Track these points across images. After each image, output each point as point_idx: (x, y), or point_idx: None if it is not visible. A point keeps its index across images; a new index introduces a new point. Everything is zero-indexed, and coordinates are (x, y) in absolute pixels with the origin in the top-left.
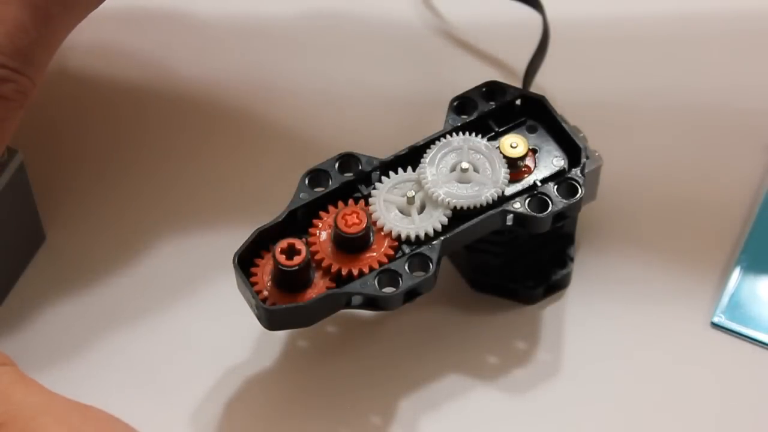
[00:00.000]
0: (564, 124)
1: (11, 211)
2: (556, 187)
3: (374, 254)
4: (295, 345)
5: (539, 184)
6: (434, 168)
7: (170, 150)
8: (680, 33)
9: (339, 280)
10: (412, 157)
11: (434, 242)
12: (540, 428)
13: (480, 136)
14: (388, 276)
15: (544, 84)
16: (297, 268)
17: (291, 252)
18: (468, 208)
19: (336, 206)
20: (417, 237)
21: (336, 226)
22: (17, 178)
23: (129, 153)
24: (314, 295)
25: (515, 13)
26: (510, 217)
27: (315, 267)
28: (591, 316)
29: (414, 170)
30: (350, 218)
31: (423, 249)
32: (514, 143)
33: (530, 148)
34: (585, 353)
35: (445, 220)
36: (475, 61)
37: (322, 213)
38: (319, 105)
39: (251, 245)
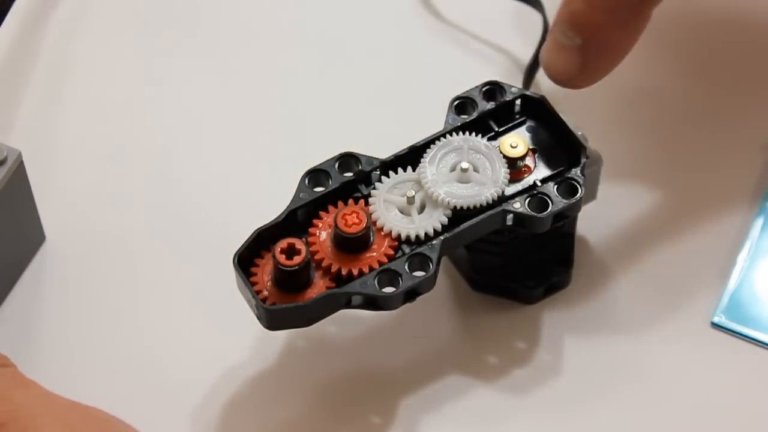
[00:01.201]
0: (564, 124)
1: (11, 212)
2: (556, 187)
3: (374, 254)
4: (295, 345)
5: (539, 184)
6: (434, 168)
7: (170, 150)
8: (680, 33)
9: (339, 280)
10: (412, 157)
11: (434, 242)
12: (540, 428)
13: (480, 136)
14: (388, 276)
15: (544, 84)
16: (297, 268)
17: (291, 252)
18: (468, 208)
19: (336, 206)
20: (417, 237)
21: (336, 226)
22: (17, 179)
23: (129, 153)
24: (314, 295)
25: (515, 13)
26: (510, 217)
27: (315, 267)
28: (591, 316)
29: (414, 170)
30: (350, 218)
31: (423, 249)
32: (514, 143)
33: (530, 148)
34: (585, 353)
35: (445, 220)
36: (475, 61)
37: (322, 213)
38: (319, 105)
39: (251, 245)
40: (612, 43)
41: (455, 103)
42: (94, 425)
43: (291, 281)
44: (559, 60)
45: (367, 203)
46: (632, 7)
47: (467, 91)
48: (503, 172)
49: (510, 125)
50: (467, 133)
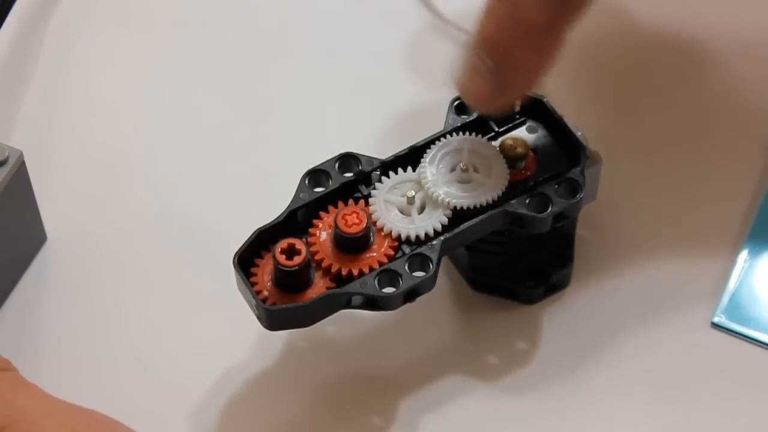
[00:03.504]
0: (564, 124)
1: (12, 212)
2: (556, 187)
3: (374, 254)
4: (295, 345)
5: (539, 184)
6: (434, 168)
7: (170, 150)
8: (679, 32)
9: (339, 280)
10: (412, 157)
11: (434, 242)
12: (540, 428)
13: (480, 136)
14: (388, 276)
15: (544, 84)
16: (297, 268)
17: (291, 252)
18: (468, 208)
19: (336, 206)
20: (417, 237)
21: (336, 226)
22: (18, 179)
23: (130, 154)
24: (314, 295)
25: None
26: (510, 217)
27: (315, 267)
28: (591, 316)
29: (414, 170)
30: (350, 218)
31: (423, 249)
32: (514, 143)
33: (530, 148)
34: (585, 353)
35: (445, 220)
36: None
37: (322, 213)
38: (319, 105)
39: (251, 245)
40: (526, 66)
41: (455, 103)
42: (96, 428)
43: (291, 281)
44: (474, 83)
45: (367, 203)
46: (545, 29)
47: None
48: (503, 172)
49: (510, 125)
50: (467, 133)
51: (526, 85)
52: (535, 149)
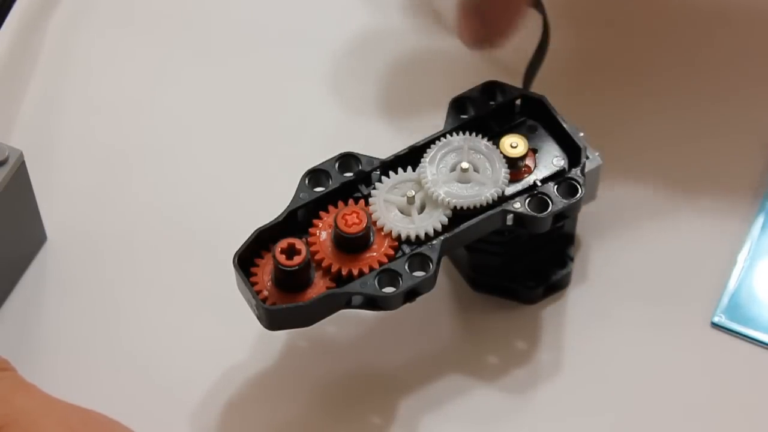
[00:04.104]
0: (564, 124)
1: (12, 212)
2: (556, 187)
3: (374, 254)
4: (295, 345)
5: (539, 184)
6: (434, 168)
7: (170, 150)
8: (679, 33)
9: (339, 280)
10: (412, 157)
11: (434, 242)
12: (540, 428)
13: (480, 136)
14: (388, 276)
15: (544, 84)
16: (297, 268)
17: (291, 252)
18: (468, 208)
19: (336, 206)
20: (417, 237)
21: (336, 226)
22: (19, 179)
23: (130, 154)
24: (314, 295)
25: None
26: (510, 217)
27: (315, 267)
28: (591, 316)
29: (414, 170)
30: (350, 218)
31: (423, 249)
32: (514, 143)
33: (530, 148)
34: (585, 353)
35: (445, 220)
36: (475, 61)
37: (322, 213)
38: (319, 105)
39: (251, 245)
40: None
41: (455, 103)
42: (94, 428)
43: (291, 281)
44: (466, 22)
45: (367, 203)
46: None
47: (467, 91)
48: (503, 172)
49: (510, 125)
50: (467, 133)
51: (513, 17)
52: (535, 149)
